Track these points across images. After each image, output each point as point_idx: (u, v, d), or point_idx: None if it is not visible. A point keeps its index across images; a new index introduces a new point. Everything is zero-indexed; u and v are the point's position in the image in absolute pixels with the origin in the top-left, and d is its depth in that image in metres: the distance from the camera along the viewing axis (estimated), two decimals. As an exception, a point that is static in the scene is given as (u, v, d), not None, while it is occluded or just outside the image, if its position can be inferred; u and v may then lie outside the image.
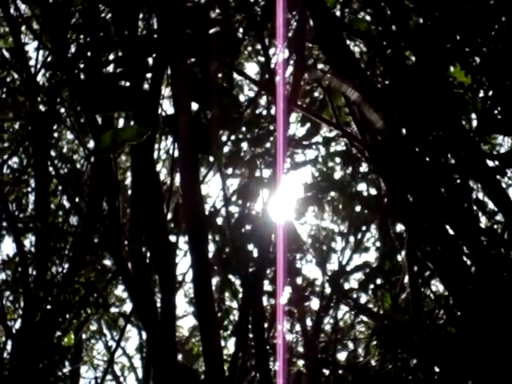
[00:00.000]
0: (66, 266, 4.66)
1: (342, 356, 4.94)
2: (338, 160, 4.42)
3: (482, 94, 2.85)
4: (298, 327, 4.42)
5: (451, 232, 2.62)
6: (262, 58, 4.78)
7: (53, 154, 5.70)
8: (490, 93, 2.86)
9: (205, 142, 3.05)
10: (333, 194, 4.57)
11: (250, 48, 5.20)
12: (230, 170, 4.36)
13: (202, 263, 3.32)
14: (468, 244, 2.41)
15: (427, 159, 2.50)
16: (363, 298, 4.96)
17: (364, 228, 4.99)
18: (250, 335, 3.66)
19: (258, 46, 4.76)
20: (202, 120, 3.25)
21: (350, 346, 5.03)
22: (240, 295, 4.10)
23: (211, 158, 4.21)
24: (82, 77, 3.57)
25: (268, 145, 4.04)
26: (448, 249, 2.60)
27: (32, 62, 5.12)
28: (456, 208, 2.49)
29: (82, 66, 3.65)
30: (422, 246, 2.43)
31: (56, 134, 5.76)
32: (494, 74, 2.84)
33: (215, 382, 3.16)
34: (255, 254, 3.84)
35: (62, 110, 5.48)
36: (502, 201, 2.82)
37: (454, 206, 2.49)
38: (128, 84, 3.50)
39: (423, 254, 2.54)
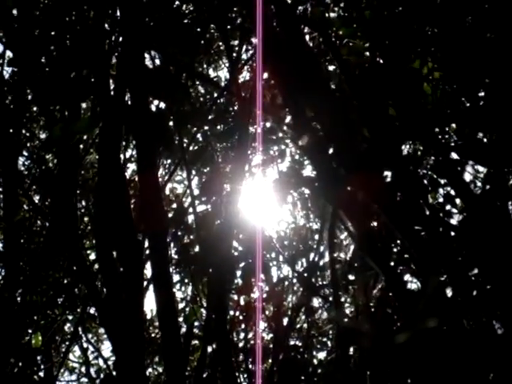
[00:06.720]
0: (34, 266, 4.59)
1: (321, 355, 4.89)
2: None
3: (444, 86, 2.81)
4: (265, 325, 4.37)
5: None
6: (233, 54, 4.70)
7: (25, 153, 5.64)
8: (450, 84, 2.81)
9: (162, 136, 3.00)
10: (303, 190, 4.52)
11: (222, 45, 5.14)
12: (196, 167, 4.30)
13: (161, 264, 3.27)
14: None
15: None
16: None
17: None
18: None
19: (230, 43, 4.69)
20: (161, 114, 3.20)
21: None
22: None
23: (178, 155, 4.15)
24: (42, 71, 3.51)
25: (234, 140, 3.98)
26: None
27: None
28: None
29: (42, 60, 3.59)
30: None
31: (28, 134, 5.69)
32: (458, 65, 2.80)
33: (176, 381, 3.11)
34: (222, 251, 3.79)
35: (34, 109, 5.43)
36: (463, 192, 2.78)
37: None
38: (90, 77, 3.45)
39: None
